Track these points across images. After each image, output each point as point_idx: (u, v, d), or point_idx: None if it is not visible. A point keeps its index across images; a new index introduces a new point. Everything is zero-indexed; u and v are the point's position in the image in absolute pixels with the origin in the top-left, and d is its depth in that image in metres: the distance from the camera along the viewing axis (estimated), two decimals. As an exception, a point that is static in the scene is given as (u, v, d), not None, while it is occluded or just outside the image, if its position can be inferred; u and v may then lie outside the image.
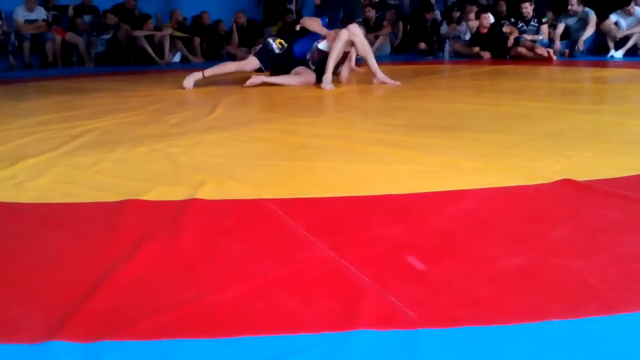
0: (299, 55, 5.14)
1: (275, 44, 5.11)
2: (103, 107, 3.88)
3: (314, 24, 5.16)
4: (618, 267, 1.20)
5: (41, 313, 1.07)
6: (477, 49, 8.06)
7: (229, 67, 5.24)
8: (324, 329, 0.99)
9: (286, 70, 5.10)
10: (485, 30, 8.02)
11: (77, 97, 4.54)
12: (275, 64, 5.10)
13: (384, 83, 4.88)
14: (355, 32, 4.98)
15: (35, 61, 8.38)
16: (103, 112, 3.60)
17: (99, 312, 1.06)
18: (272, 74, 5.10)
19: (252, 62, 5.11)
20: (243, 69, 5.09)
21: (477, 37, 8.15)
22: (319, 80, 4.94)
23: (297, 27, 5.32)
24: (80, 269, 1.27)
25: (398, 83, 4.87)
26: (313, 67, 5.09)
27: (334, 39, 4.92)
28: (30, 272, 1.28)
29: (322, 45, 5.04)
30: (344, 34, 4.91)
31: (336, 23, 5.84)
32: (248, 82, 4.93)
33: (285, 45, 5.11)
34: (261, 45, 5.29)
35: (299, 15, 10.09)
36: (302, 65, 5.14)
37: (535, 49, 7.41)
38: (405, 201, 1.69)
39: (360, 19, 7.02)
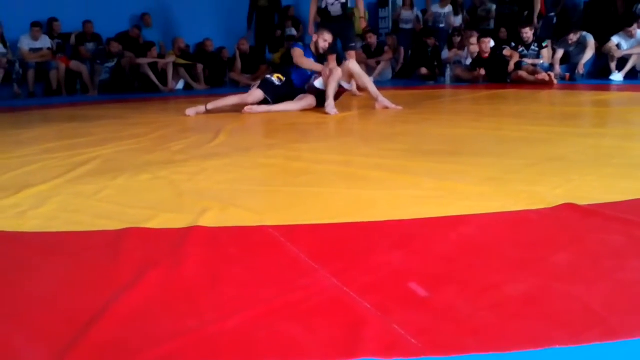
0: (299, 84, 5.30)
1: (275, 78, 5.27)
2: (107, 134, 3.90)
3: (305, 61, 5.32)
4: (621, 292, 1.19)
5: (44, 343, 1.07)
6: (479, 71, 8.10)
7: (231, 99, 5.26)
8: (327, 357, 0.98)
9: (290, 100, 5.21)
10: (487, 55, 8.08)
11: (80, 125, 4.58)
12: (279, 95, 5.19)
13: (387, 107, 4.92)
14: (352, 68, 5.15)
15: (39, 89, 8.47)
16: (107, 139, 3.62)
17: (101, 342, 1.06)
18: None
19: (255, 94, 5.17)
20: (245, 101, 5.13)
21: (478, 62, 8.20)
22: (319, 104, 5.04)
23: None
24: (83, 298, 1.27)
25: (400, 107, 4.91)
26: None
27: (328, 77, 5.03)
28: (33, 301, 1.28)
29: (317, 83, 5.17)
30: (338, 73, 5.04)
31: (334, 50, 6.04)
32: (247, 108, 5.00)
33: (284, 78, 5.27)
34: (261, 80, 5.40)
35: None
36: (303, 92, 5.24)
37: (537, 74, 7.45)
38: (407, 227, 1.69)
39: (354, 44, 7.17)
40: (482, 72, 7.99)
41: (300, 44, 5.77)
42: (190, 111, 4.96)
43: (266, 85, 5.21)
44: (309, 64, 5.29)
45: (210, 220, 1.77)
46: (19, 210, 1.99)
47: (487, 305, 1.15)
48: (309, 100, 5.16)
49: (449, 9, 10.18)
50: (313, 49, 5.47)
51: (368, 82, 5.22)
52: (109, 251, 1.54)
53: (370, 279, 1.31)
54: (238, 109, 5.08)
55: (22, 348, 1.06)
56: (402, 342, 1.02)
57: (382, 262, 1.41)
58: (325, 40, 5.43)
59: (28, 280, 1.40)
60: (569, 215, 1.71)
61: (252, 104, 5.11)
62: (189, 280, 1.34)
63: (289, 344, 1.04)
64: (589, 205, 1.77)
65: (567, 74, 7.95)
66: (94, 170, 2.64)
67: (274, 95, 5.16)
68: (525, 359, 0.96)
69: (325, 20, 6.86)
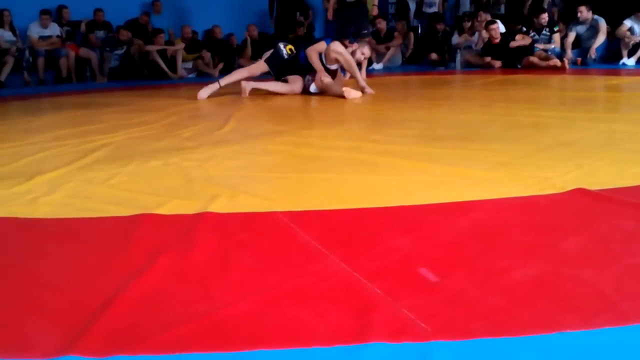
0: (304, 61, 5.30)
1: (286, 50, 5.32)
2: (117, 121, 3.91)
3: (314, 56, 5.27)
4: (632, 277, 1.19)
5: (56, 328, 1.08)
6: (488, 58, 8.05)
7: (242, 73, 5.44)
8: (336, 342, 0.99)
9: (287, 74, 5.28)
10: (497, 41, 8.02)
11: (91, 112, 4.59)
12: (283, 69, 5.28)
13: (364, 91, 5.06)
14: (337, 49, 5.18)
15: (49, 77, 8.48)
16: (117, 126, 3.63)
17: (112, 327, 1.07)
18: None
19: (262, 66, 5.32)
20: (254, 73, 5.33)
21: (489, 47, 8.14)
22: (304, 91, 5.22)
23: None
24: (94, 284, 1.28)
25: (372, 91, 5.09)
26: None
27: (320, 85, 5.12)
28: (45, 287, 1.29)
29: (312, 88, 5.24)
30: (327, 80, 5.08)
31: (346, 35, 6.10)
32: (242, 93, 5.13)
33: (294, 52, 5.32)
34: (272, 50, 5.44)
35: (310, 28, 10.17)
36: (304, 72, 5.29)
37: (549, 59, 7.38)
38: (417, 212, 1.69)
39: (367, 31, 7.21)
40: (498, 64, 7.92)
41: (330, 39, 5.74)
42: (203, 92, 5.05)
43: (273, 58, 5.30)
44: (315, 61, 5.25)
45: (220, 206, 1.78)
46: (31, 197, 2.01)
47: (497, 289, 1.15)
48: (296, 86, 5.24)
49: None
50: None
51: (356, 69, 5.35)
52: (121, 237, 1.55)
53: (380, 264, 1.31)
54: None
55: (34, 333, 1.07)
56: (412, 327, 1.02)
57: (392, 247, 1.41)
58: (362, 53, 5.54)
59: (40, 265, 1.41)
60: (580, 200, 1.70)
61: (260, 75, 5.25)
62: (199, 266, 1.35)
63: (299, 329, 1.04)
64: (599, 190, 1.76)
65: (579, 59, 7.88)
66: (104, 157, 2.65)
67: (278, 69, 5.27)
68: (535, 343, 0.96)
69: (340, 7, 6.90)
